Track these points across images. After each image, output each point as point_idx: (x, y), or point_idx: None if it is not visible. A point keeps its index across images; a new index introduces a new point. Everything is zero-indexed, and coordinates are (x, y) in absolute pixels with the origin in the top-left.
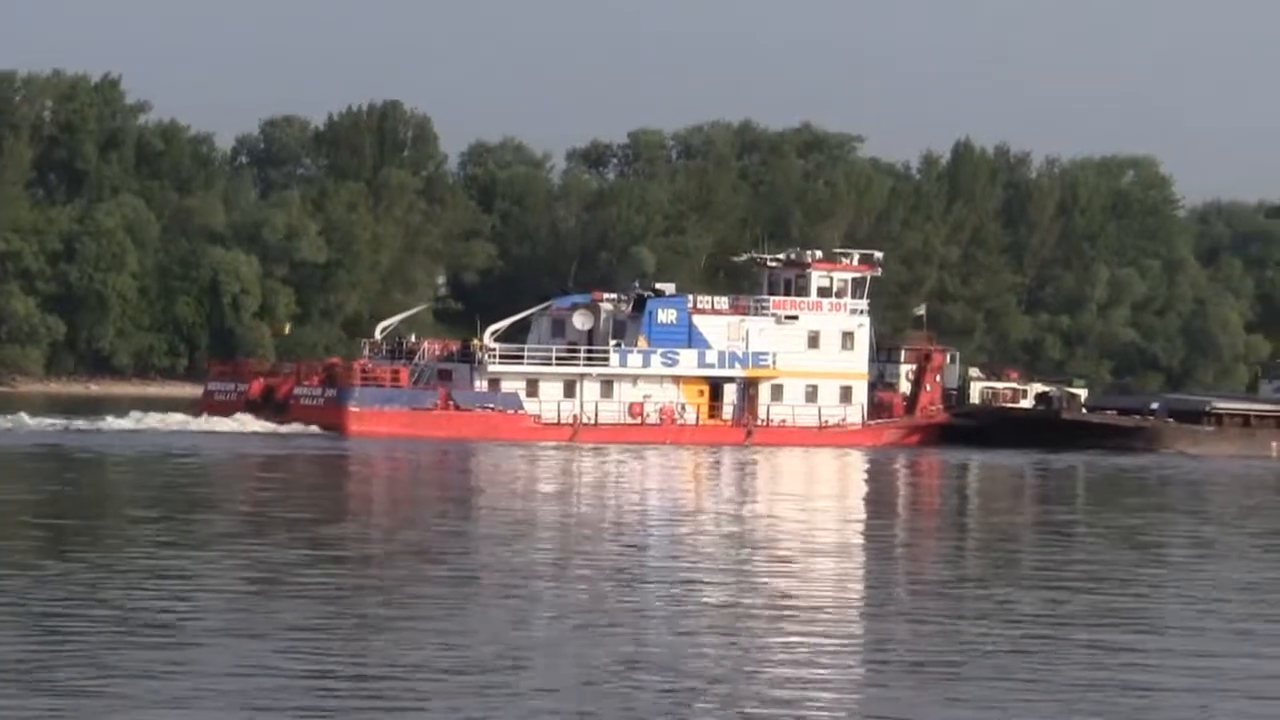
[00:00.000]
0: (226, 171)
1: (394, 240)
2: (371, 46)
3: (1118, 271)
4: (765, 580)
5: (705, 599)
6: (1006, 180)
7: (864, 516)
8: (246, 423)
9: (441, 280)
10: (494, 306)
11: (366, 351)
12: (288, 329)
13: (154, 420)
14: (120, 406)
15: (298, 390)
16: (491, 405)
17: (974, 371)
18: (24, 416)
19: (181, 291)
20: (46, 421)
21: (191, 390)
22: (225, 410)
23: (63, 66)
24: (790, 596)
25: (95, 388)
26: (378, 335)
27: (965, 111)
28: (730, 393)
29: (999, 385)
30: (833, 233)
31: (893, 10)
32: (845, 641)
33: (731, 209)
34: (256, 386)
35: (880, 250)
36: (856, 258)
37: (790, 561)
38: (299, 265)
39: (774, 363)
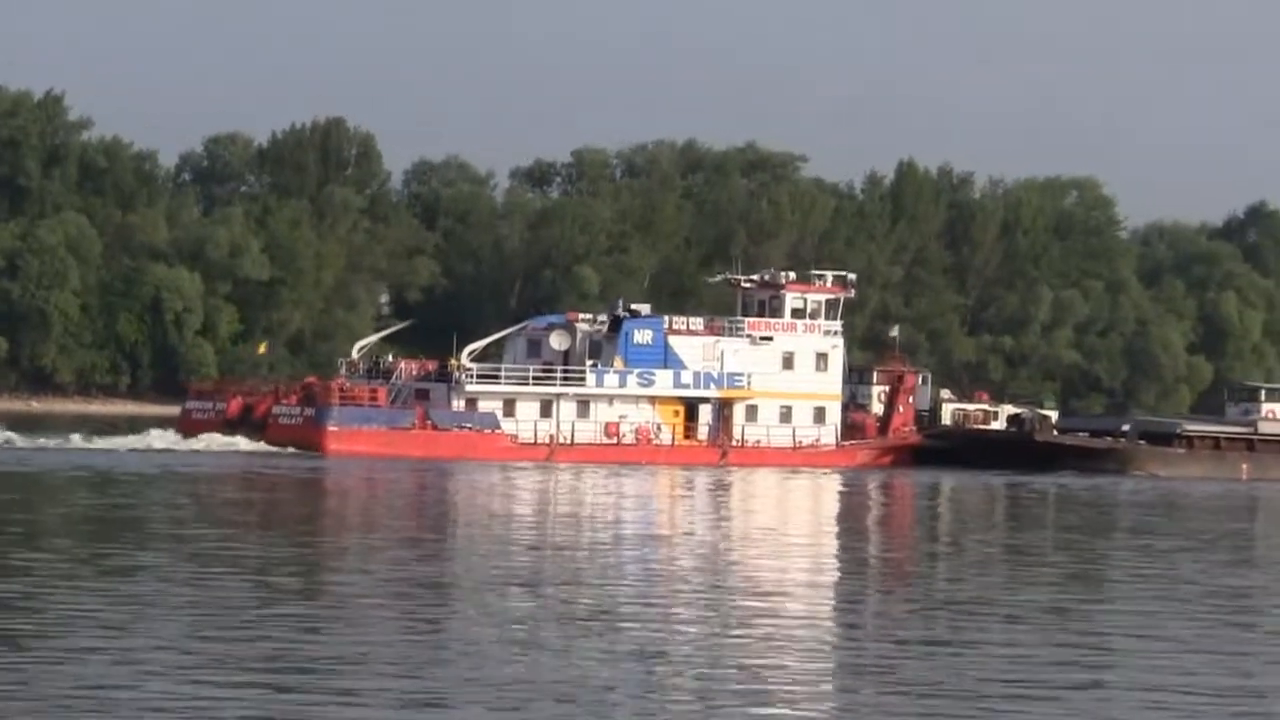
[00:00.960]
0: (169, 188)
1: (337, 258)
2: (315, 64)
3: (1061, 292)
4: (726, 601)
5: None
6: (950, 201)
7: (836, 539)
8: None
9: (385, 299)
10: (437, 325)
11: (343, 370)
12: (263, 348)
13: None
14: (61, 424)
15: (276, 409)
16: (469, 425)
17: (945, 393)
18: None
19: (124, 309)
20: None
21: (135, 408)
22: (204, 429)
23: (5, 83)
24: (752, 621)
25: (37, 405)
26: (354, 354)
27: (909, 132)
28: (705, 413)
29: (970, 407)
30: (777, 252)
31: (836, 31)
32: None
33: (675, 228)
34: (235, 405)
35: (824, 269)
36: (830, 279)
37: (757, 585)
38: (242, 283)
39: (749, 383)
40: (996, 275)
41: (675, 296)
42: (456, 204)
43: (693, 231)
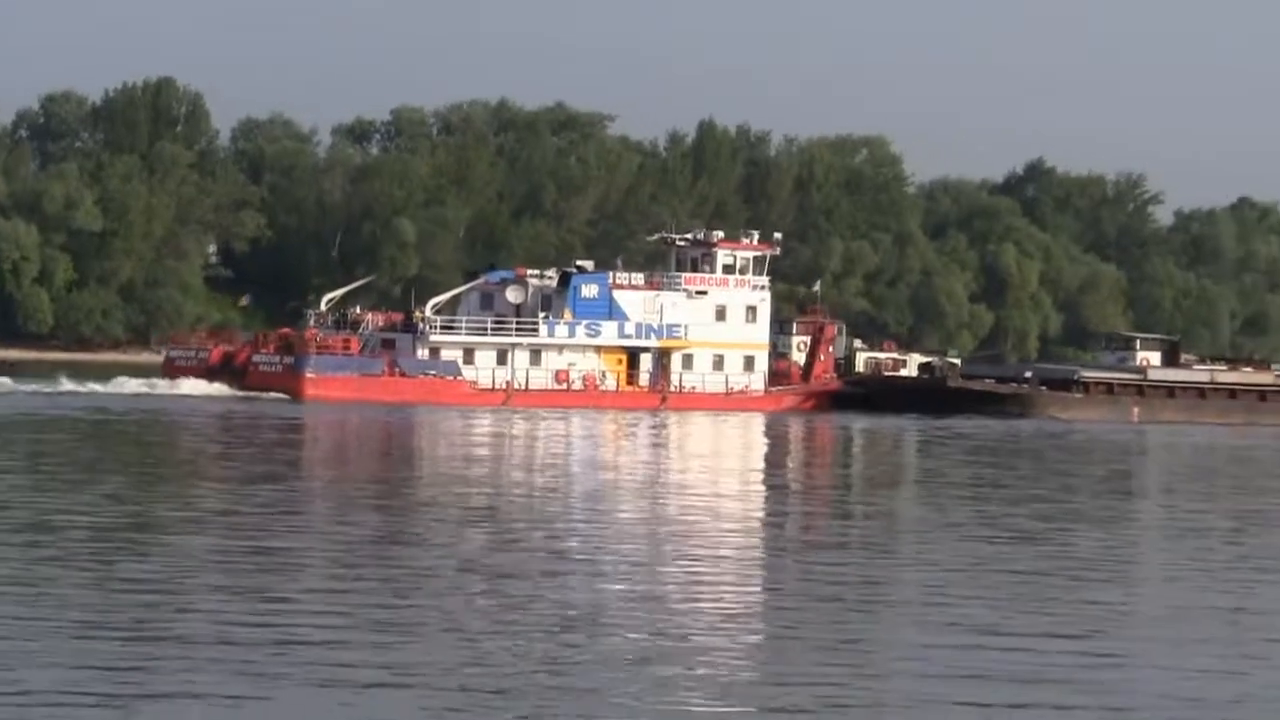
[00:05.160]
0: (7, 144)
1: (167, 210)
2: (147, 25)
3: (851, 244)
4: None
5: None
6: (747, 158)
7: (762, 470)
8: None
9: (212, 249)
10: (264, 274)
11: (313, 322)
12: (244, 301)
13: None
14: None
15: (256, 357)
16: (433, 372)
17: (858, 343)
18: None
19: None
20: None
21: None
22: (187, 375)
23: None
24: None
25: None
26: (323, 307)
27: (709, 93)
28: (646, 361)
29: (881, 355)
30: (584, 205)
31: None
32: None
33: (488, 183)
34: (216, 354)
35: (632, 224)
36: (756, 238)
37: (693, 514)
38: (76, 234)
39: (685, 334)
40: (791, 228)
41: (488, 247)
42: (281, 159)
43: (505, 186)
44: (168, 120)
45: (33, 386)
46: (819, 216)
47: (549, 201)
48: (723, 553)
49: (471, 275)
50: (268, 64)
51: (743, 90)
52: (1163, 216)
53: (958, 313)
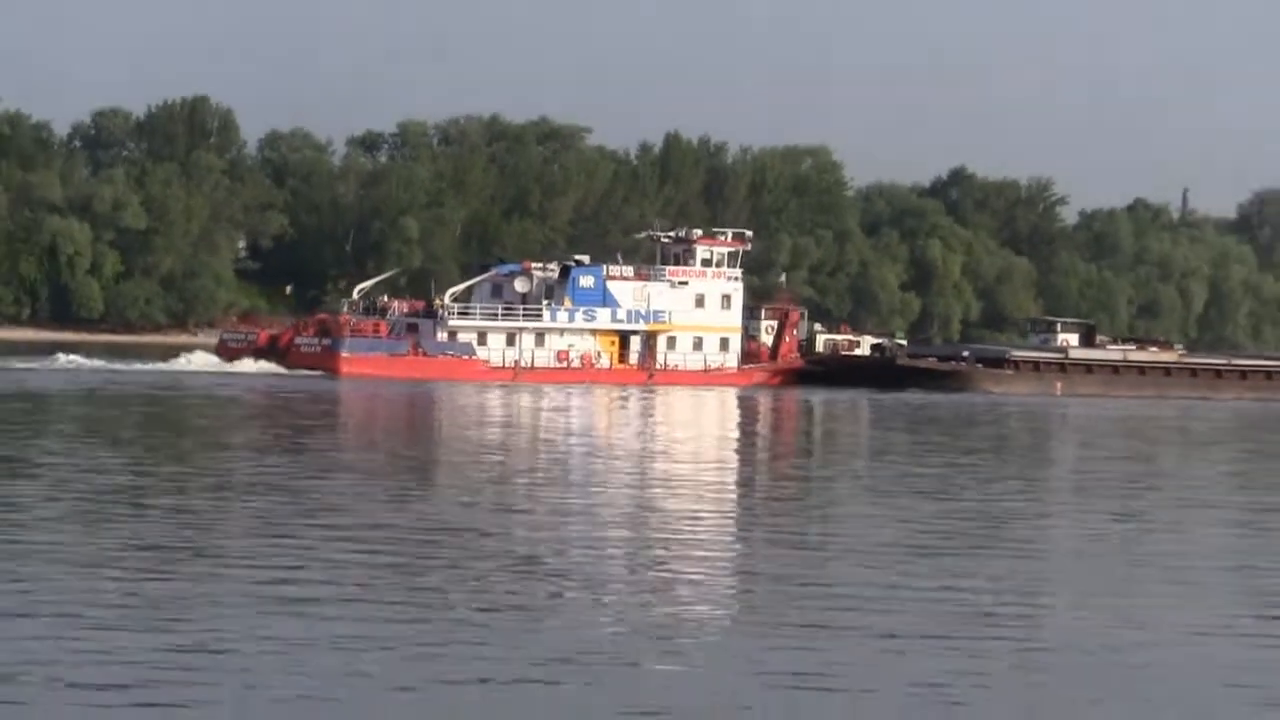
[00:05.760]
0: (63, 153)
1: (202, 211)
2: (183, 51)
3: (798, 240)
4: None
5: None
6: (708, 165)
7: (736, 435)
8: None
9: (241, 245)
10: (286, 267)
11: (346, 309)
12: (288, 290)
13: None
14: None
15: (298, 339)
16: (451, 352)
17: (818, 326)
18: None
19: (25, 253)
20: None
21: (33, 334)
22: (238, 355)
23: None
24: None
25: None
26: (355, 296)
27: (674, 106)
28: (635, 343)
29: (838, 337)
30: (565, 207)
31: (619, 17)
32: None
33: (482, 188)
34: (263, 336)
35: (607, 222)
36: (730, 235)
37: (675, 473)
38: (123, 231)
39: (669, 319)
40: (746, 227)
41: (482, 243)
42: (301, 167)
43: (496, 190)
44: (202, 133)
45: (138, 365)
46: (770, 216)
47: (535, 203)
48: (697, 503)
49: (483, 267)
50: (290, 84)
51: (705, 106)
52: (1068, 216)
53: (890, 300)
